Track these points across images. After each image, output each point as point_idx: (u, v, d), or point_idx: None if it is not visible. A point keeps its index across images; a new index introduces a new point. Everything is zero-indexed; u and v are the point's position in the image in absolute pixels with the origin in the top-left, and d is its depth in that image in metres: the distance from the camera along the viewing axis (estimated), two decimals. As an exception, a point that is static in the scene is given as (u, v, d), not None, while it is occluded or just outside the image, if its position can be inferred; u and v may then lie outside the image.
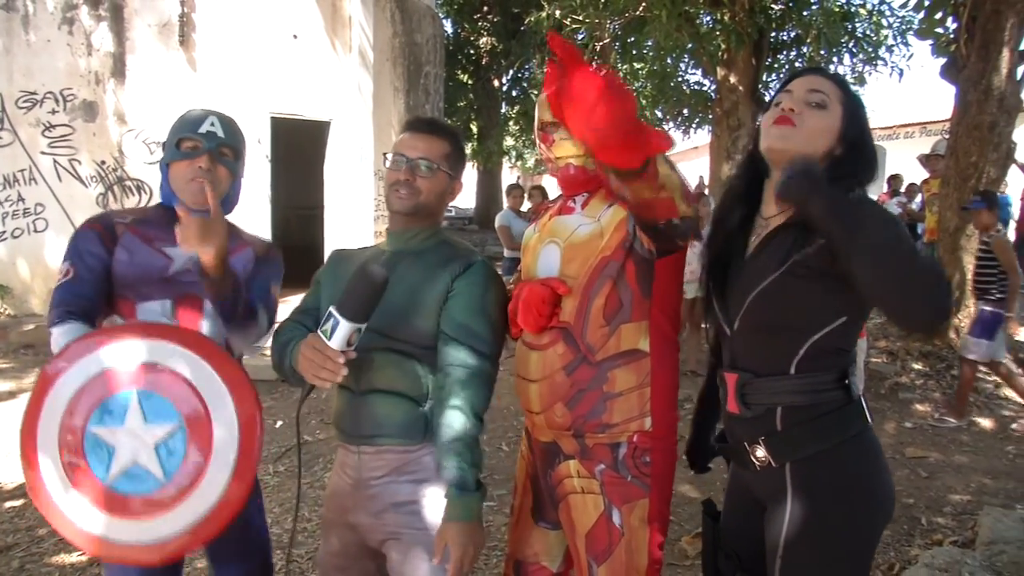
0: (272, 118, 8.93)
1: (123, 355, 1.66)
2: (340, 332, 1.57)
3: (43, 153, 7.98)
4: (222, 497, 1.65)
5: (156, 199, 2.29)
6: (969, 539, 3.50)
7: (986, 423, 5.49)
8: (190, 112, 2.03)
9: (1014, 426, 5.49)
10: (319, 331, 1.61)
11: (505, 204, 9.07)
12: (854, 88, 1.65)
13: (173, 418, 1.66)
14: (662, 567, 1.81)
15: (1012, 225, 11.58)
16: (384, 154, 1.90)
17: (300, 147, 10.46)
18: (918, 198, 10.65)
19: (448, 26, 19.42)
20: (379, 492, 1.79)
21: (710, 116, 12.57)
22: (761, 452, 1.61)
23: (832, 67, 12.25)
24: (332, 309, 1.59)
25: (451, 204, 2.01)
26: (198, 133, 1.94)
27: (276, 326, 1.99)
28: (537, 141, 1.92)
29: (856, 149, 1.57)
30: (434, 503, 1.77)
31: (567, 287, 1.74)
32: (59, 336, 1.77)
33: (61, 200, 8.05)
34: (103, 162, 8.17)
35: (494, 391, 1.81)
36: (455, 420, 1.68)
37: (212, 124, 1.97)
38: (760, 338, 1.61)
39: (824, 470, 1.57)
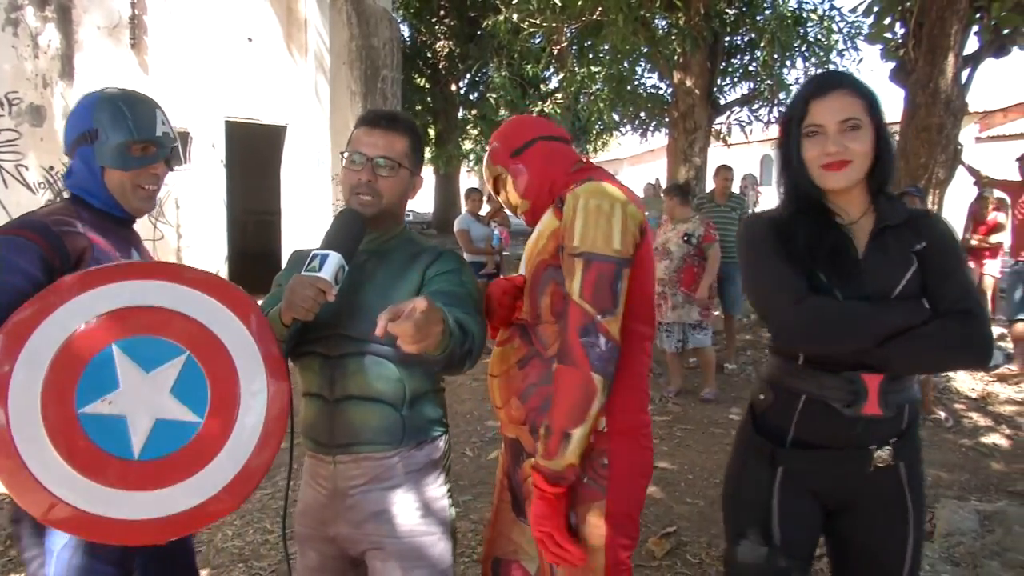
0: (227, 122, 8.81)
1: (75, 317, 1.42)
2: (330, 263, 1.56)
3: (-12, 159, 7.74)
4: (269, 400, 1.53)
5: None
6: (927, 532, 3.57)
7: (940, 417, 5.61)
8: (127, 101, 1.76)
9: (966, 420, 5.63)
10: (304, 271, 1.58)
11: (464, 208, 9.06)
12: (861, 78, 1.68)
13: (176, 352, 1.47)
14: (630, 570, 1.75)
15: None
16: (341, 153, 1.81)
17: (256, 152, 10.32)
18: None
19: (405, 30, 19.33)
20: (358, 501, 1.75)
21: (666, 119, 12.69)
22: (886, 452, 1.67)
23: (785, 71, 12.49)
24: (315, 251, 1.59)
25: (408, 209, 1.95)
26: (155, 136, 1.75)
27: None
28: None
29: (886, 147, 1.65)
30: (412, 509, 1.75)
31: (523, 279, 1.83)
32: None
33: (8, 207, 7.81)
34: (51, 168, 7.95)
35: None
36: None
37: (163, 123, 1.78)
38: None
39: (917, 469, 1.74)
